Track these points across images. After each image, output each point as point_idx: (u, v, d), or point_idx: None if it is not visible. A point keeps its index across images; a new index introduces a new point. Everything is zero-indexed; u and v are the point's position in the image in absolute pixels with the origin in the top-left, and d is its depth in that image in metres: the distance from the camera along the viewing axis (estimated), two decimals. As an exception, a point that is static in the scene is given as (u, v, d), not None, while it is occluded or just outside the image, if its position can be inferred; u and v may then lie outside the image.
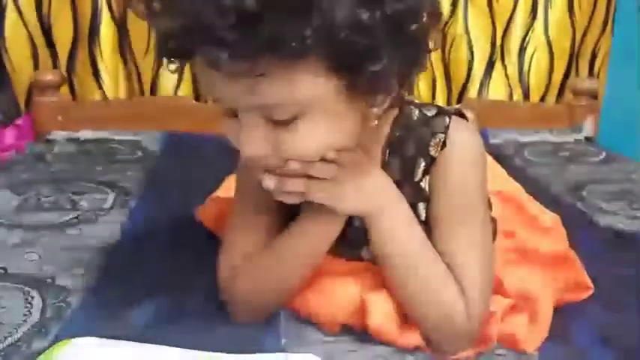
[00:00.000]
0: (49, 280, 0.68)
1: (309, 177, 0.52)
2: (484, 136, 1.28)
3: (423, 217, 0.60)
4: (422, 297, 0.56)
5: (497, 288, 0.62)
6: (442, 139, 0.57)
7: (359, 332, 0.59)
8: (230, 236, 0.63)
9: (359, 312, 0.58)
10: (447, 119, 0.58)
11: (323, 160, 0.51)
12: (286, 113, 0.48)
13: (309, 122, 0.48)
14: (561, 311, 0.64)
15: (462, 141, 0.58)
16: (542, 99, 1.50)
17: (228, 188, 0.83)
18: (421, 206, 0.60)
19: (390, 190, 0.57)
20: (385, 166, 0.59)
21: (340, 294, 0.60)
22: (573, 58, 1.49)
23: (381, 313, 0.57)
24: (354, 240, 0.62)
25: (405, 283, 0.57)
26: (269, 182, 0.52)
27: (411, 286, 0.56)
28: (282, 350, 0.56)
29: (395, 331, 0.57)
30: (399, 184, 0.59)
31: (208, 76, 0.47)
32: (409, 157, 0.59)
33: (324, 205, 0.55)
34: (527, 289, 0.62)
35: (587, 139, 1.39)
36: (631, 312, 0.65)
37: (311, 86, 0.47)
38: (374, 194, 0.56)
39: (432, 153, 0.58)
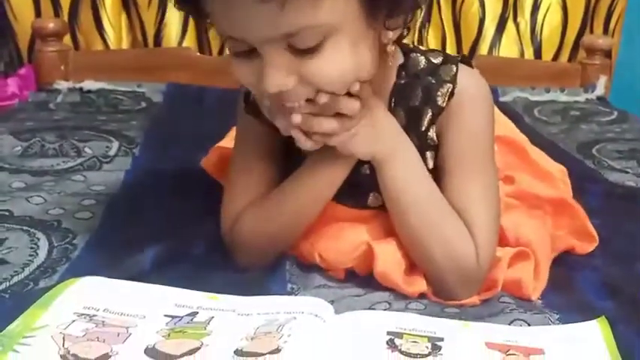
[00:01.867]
0: (54, 223, 0.69)
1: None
2: (494, 93, 1.27)
3: (430, 165, 0.60)
4: (432, 239, 0.56)
5: (499, 237, 0.62)
6: (450, 89, 0.57)
7: (364, 278, 0.59)
8: (233, 183, 0.63)
9: (365, 258, 0.58)
10: (455, 67, 0.57)
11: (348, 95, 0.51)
12: (312, 39, 0.47)
13: (333, 47, 0.47)
14: (566, 262, 0.65)
15: (471, 91, 0.58)
16: (555, 58, 1.47)
17: (232, 138, 0.82)
18: (429, 155, 0.59)
19: (400, 135, 0.57)
20: (390, 114, 0.58)
21: (347, 239, 0.60)
22: (588, 15, 1.45)
23: (387, 259, 0.57)
24: (361, 187, 0.61)
25: (415, 227, 0.56)
26: (296, 117, 0.51)
27: (422, 229, 0.56)
28: (289, 295, 0.57)
29: (400, 278, 0.57)
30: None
31: (230, 9, 0.46)
32: (415, 107, 0.58)
33: (331, 149, 0.55)
34: (523, 234, 0.62)
35: (600, 98, 1.36)
36: (636, 264, 0.65)
37: (334, 7, 0.46)
38: (386, 139, 0.56)
39: (440, 103, 0.57)
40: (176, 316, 0.50)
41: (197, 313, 0.51)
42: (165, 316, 0.50)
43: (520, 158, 0.73)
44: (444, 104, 0.57)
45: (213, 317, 0.50)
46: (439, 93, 0.57)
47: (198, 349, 0.46)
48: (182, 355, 0.45)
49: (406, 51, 0.59)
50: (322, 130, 0.52)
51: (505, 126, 0.76)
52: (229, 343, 0.46)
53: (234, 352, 0.45)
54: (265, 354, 0.44)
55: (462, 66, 0.58)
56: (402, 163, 0.57)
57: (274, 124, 0.55)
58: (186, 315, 0.50)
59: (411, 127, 0.58)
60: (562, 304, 0.57)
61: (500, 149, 0.69)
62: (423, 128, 0.58)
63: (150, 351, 0.45)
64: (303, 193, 0.58)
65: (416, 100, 0.58)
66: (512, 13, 1.45)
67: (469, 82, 0.58)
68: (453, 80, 0.57)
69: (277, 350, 0.45)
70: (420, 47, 0.60)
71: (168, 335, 0.47)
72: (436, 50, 0.61)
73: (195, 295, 0.53)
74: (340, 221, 0.62)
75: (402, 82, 0.58)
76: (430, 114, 0.58)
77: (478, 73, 0.60)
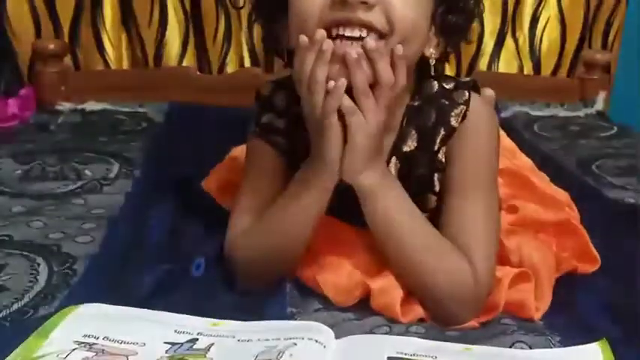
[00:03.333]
0: (54, 248, 0.68)
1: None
2: (495, 109, 1.27)
3: (437, 188, 0.60)
4: (430, 268, 0.56)
5: (502, 258, 0.62)
6: (463, 110, 0.59)
7: (364, 302, 0.59)
8: (241, 206, 0.64)
9: (364, 293, 0.58)
10: (467, 93, 0.60)
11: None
12: None
13: None
14: (568, 282, 0.64)
15: (480, 116, 0.59)
16: (554, 73, 1.47)
17: (234, 158, 0.82)
18: (436, 177, 0.60)
19: (389, 173, 0.57)
20: (401, 134, 0.60)
21: (346, 274, 0.59)
22: (586, 30, 1.46)
23: (384, 294, 0.57)
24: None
25: (410, 258, 0.56)
26: (352, 50, 0.51)
27: (417, 259, 0.56)
28: (288, 318, 0.57)
29: (398, 310, 0.57)
30: (415, 153, 0.60)
31: None
32: (429, 127, 0.60)
33: (317, 171, 0.55)
34: (526, 255, 0.62)
35: (599, 113, 1.36)
36: (637, 284, 0.65)
37: None
38: (378, 167, 0.56)
39: (453, 123, 0.59)
40: (176, 343, 0.50)
41: (197, 339, 0.50)
42: (165, 343, 0.50)
43: (524, 187, 0.73)
44: (457, 125, 0.59)
45: (213, 344, 0.50)
46: (452, 114, 0.59)
47: None
48: None
49: (419, 76, 0.61)
50: (357, 79, 0.51)
51: (508, 152, 0.77)
52: None
53: None
54: None
55: (474, 94, 0.60)
56: (393, 194, 0.57)
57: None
58: (186, 342, 0.50)
59: (423, 147, 0.60)
60: (563, 326, 0.57)
61: (503, 181, 0.70)
62: (435, 148, 0.59)
63: None
64: (287, 217, 0.58)
65: (429, 120, 0.60)
66: (511, 28, 1.45)
67: (480, 108, 0.60)
68: (467, 103, 0.59)
69: None
70: (431, 73, 0.61)
71: None
72: (447, 75, 0.63)
73: (196, 321, 0.53)
74: (342, 242, 0.62)
75: (416, 104, 0.60)
76: (442, 134, 0.59)
77: (487, 102, 0.62)
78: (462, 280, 0.55)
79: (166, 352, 0.48)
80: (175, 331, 0.51)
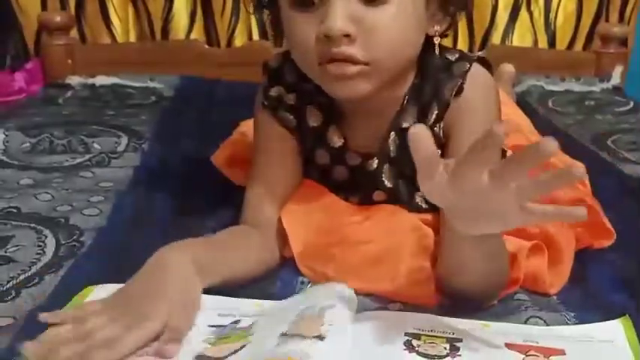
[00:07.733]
0: (61, 220, 0.68)
1: None
2: (512, 86, 1.24)
3: None
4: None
5: (520, 233, 0.60)
6: (458, 84, 0.57)
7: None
8: (254, 185, 0.62)
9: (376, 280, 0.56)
10: (468, 65, 0.57)
11: None
12: None
13: (398, 4, 0.51)
14: (582, 256, 0.63)
15: (478, 89, 0.57)
16: (570, 46, 1.44)
17: (242, 133, 0.81)
18: None
19: None
20: (402, 112, 0.59)
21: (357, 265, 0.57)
22: (603, 3, 1.42)
23: (401, 279, 0.55)
24: (366, 184, 0.62)
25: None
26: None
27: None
28: (298, 290, 0.56)
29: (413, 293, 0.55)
30: None
31: None
32: (426, 102, 0.58)
33: None
34: (547, 232, 0.60)
35: (615, 88, 1.33)
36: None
37: None
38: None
39: (447, 97, 0.57)
40: (220, 326, 0.49)
41: (239, 320, 0.50)
42: (210, 326, 0.49)
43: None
44: (450, 99, 0.56)
45: (255, 322, 0.49)
46: (447, 87, 0.57)
47: (243, 346, 0.45)
48: (228, 356, 0.44)
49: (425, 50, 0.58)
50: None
51: (521, 128, 0.74)
52: (273, 331, 0.45)
53: (279, 335, 0.44)
54: (310, 337, 0.43)
55: (476, 66, 0.57)
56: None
57: (323, 87, 0.55)
58: (230, 323, 0.49)
59: (420, 123, 0.57)
60: (577, 301, 0.56)
61: None
62: (430, 123, 0.57)
63: (199, 358, 0.44)
64: None
65: (427, 95, 0.58)
66: (526, 1, 1.42)
67: (478, 81, 0.57)
68: (463, 76, 0.56)
69: (321, 337, 0.44)
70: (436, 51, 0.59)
71: (214, 343, 0.46)
72: (454, 49, 0.60)
73: (239, 304, 0.52)
74: (344, 217, 0.61)
75: (417, 81, 0.59)
76: (436, 109, 0.57)
77: (489, 76, 0.59)
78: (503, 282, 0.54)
79: (212, 333, 0.48)
80: (219, 314, 0.50)
